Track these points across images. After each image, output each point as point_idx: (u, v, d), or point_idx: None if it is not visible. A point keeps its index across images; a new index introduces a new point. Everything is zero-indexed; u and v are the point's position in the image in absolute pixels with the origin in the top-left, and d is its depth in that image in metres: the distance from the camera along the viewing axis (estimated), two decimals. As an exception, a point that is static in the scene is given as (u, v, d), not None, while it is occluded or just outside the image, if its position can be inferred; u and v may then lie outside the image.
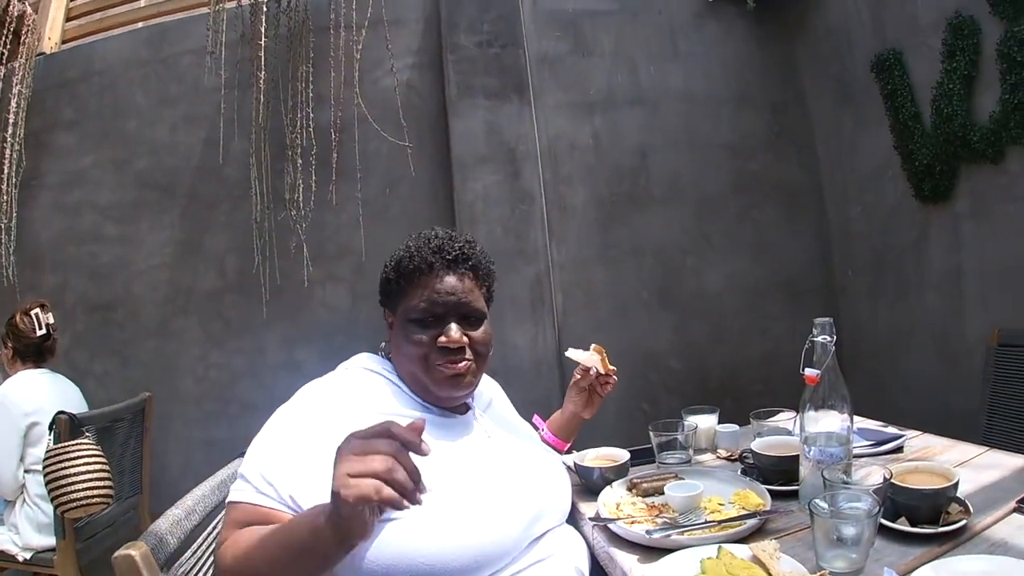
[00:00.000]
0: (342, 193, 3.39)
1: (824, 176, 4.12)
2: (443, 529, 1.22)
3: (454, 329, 1.42)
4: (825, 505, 1.24)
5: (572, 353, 1.86)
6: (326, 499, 1.03)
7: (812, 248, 4.06)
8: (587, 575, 1.45)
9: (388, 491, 0.95)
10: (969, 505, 1.40)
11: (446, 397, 1.45)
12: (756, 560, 1.26)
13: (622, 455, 1.81)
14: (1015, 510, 1.41)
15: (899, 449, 1.89)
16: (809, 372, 1.50)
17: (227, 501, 1.25)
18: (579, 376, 1.87)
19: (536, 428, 1.90)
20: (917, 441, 1.98)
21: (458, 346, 1.42)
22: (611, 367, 1.84)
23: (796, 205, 4.05)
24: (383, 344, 1.57)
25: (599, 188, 3.67)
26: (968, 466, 1.64)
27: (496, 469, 1.41)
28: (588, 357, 1.83)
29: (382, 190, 3.56)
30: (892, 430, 2.04)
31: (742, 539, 1.39)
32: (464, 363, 1.43)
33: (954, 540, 1.32)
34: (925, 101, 3.33)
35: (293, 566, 1.08)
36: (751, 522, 1.43)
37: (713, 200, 3.84)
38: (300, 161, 3.31)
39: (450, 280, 1.46)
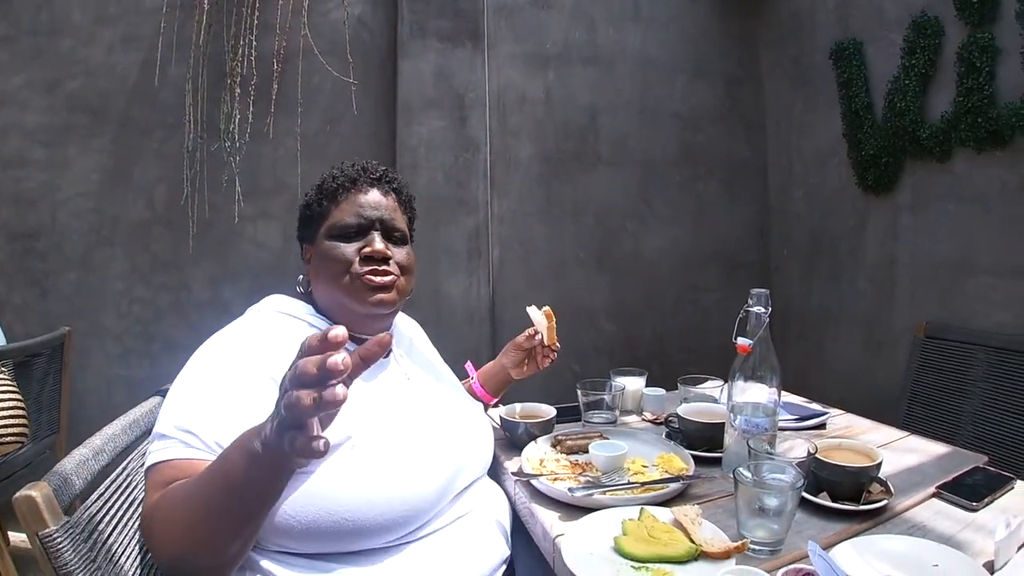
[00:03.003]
0: (280, 127, 3.24)
1: (770, 155, 4.15)
2: (365, 480, 1.17)
3: (378, 239, 1.38)
4: (749, 474, 1.24)
5: (532, 311, 1.80)
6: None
7: (751, 224, 4.10)
8: (508, 530, 1.43)
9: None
10: (890, 486, 1.42)
11: (367, 315, 1.38)
12: (677, 524, 1.26)
13: (548, 411, 1.80)
14: (935, 495, 1.44)
15: (822, 426, 1.93)
16: (741, 341, 1.50)
17: (146, 467, 1.15)
18: (526, 336, 1.81)
19: (467, 375, 1.88)
20: (840, 420, 2.03)
21: (383, 256, 1.36)
22: (557, 343, 1.80)
23: (740, 181, 4.07)
24: (300, 278, 1.49)
25: (546, 144, 3.61)
26: (889, 448, 1.67)
27: (417, 414, 1.37)
28: (539, 320, 1.78)
29: (322, 127, 3.42)
30: (816, 407, 2.08)
31: (664, 502, 1.39)
32: (390, 277, 1.37)
33: (874, 519, 1.35)
34: (879, 93, 3.37)
35: (232, 509, 1.00)
36: (674, 486, 1.43)
37: (659, 167, 3.82)
38: (239, 90, 3.14)
39: (375, 194, 1.43)
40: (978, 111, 2.86)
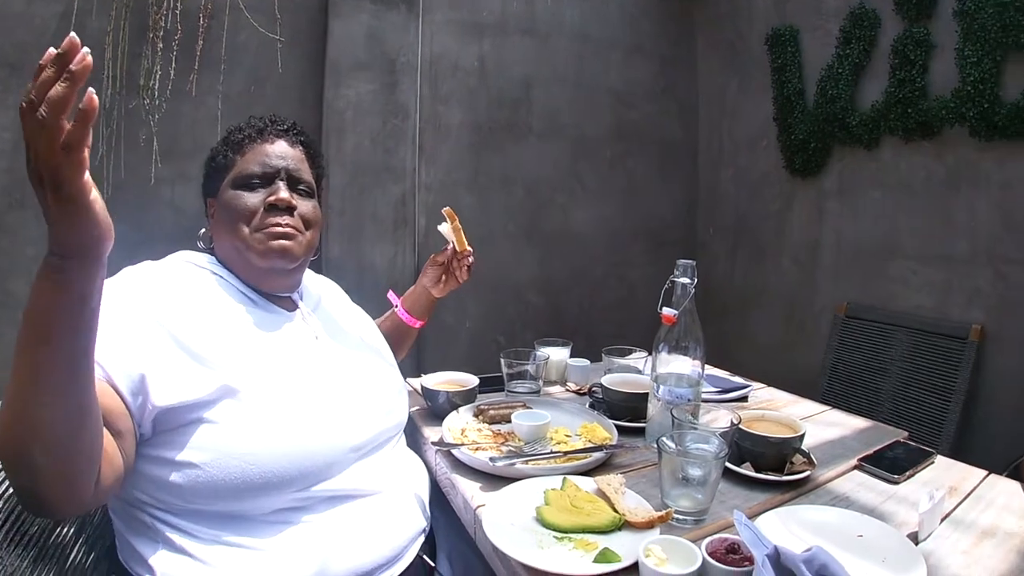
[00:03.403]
0: (202, 85, 3.07)
1: (702, 136, 4.21)
2: (268, 429, 1.11)
3: (283, 188, 1.30)
4: (672, 444, 1.21)
5: (444, 229, 1.75)
6: (158, 379, 1.04)
7: (679, 203, 4.14)
8: (427, 502, 1.38)
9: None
10: (813, 457, 1.43)
11: (268, 268, 1.30)
12: (601, 494, 1.23)
13: (471, 380, 1.75)
14: (856, 467, 1.46)
15: (744, 399, 1.94)
16: (667, 311, 1.47)
17: None
18: (441, 252, 1.78)
19: (392, 305, 1.83)
20: (762, 393, 2.05)
21: (287, 205, 1.29)
22: (468, 247, 1.75)
23: (670, 160, 4.10)
24: (202, 232, 1.40)
25: (477, 113, 3.54)
26: (811, 422, 1.68)
27: (321, 369, 1.30)
28: (448, 233, 1.73)
29: (247, 87, 3.26)
30: (739, 380, 2.08)
31: (587, 472, 1.36)
32: (292, 228, 1.30)
33: (797, 490, 1.35)
34: (812, 80, 3.45)
35: (41, 361, 0.84)
36: (597, 455, 1.40)
37: (590, 142, 3.81)
38: (161, 46, 2.95)
39: (282, 144, 1.35)
40: (908, 102, 2.95)
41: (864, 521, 1.17)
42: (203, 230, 1.40)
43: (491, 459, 1.32)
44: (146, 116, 2.98)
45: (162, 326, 1.10)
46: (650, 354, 1.90)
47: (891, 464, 1.45)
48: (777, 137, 3.64)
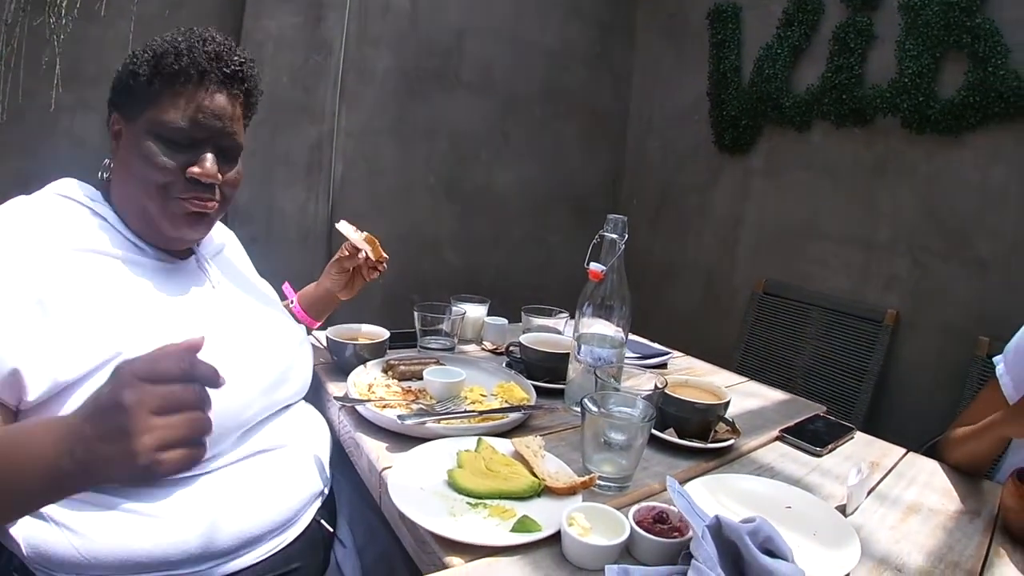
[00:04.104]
0: (114, 5, 2.77)
1: (633, 105, 4.16)
2: None
3: (210, 161, 1.10)
4: (595, 407, 1.12)
5: (344, 227, 1.59)
6: (33, 369, 0.90)
7: (605, 170, 4.08)
8: (326, 463, 1.26)
9: (202, 451, 0.75)
10: (737, 425, 1.38)
11: (176, 238, 1.14)
12: (518, 456, 1.13)
13: (380, 333, 1.62)
14: (778, 438, 1.45)
15: (663, 366, 1.89)
16: (595, 266, 1.39)
17: None
18: (345, 254, 1.59)
19: (284, 297, 1.64)
20: (681, 361, 2.01)
21: (210, 182, 1.11)
22: (384, 254, 1.61)
23: (599, 127, 4.03)
24: (106, 162, 1.18)
25: (405, 59, 3.35)
26: (731, 391, 1.62)
27: (219, 324, 1.15)
28: (360, 239, 1.57)
29: (161, 10, 2.97)
30: (658, 347, 2.03)
31: (503, 433, 1.26)
32: (212, 203, 1.13)
33: (721, 458, 1.32)
34: (749, 59, 3.43)
35: None
36: (514, 416, 1.30)
37: (520, 100, 3.70)
38: (72, -41, 2.67)
39: (220, 100, 1.11)
40: (844, 88, 2.97)
41: (793, 493, 1.14)
42: (107, 160, 1.18)
43: (399, 417, 1.20)
44: (50, 36, 2.67)
45: (32, 295, 0.93)
46: (572, 316, 1.83)
47: (813, 437, 1.44)
48: (709, 112, 3.63)
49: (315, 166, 3.11)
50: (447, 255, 3.54)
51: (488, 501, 1.01)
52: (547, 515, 0.97)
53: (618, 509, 0.96)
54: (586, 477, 1.04)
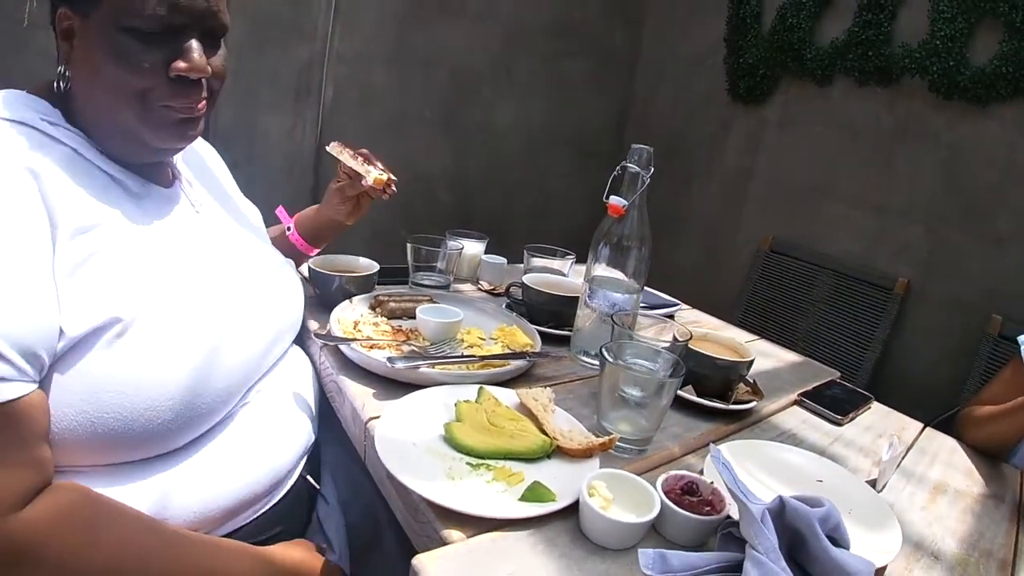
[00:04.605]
0: None
1: (644, 47, 3.94)
2: (162, 363, 0.81)
3: (196, 50, 0.87)
4: (612, 357, 0.97)
5: (334, 149, 1.37)
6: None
7: (611, 114, 3.89)
8: (314, 408, 1.11)
9: None
10: (759, 387, 1.27)
11: (164, 149, 0.94)
12: (525, 410, 0.98)
13: (369, 266, 1.45)
14: (796, 403, 1.35)
15: (671, 317, 1.73)
16: (615, 200, 1.23)
17: None
18: (344, 180, 1.39)
19: (282, 223, 1.48)
20: (688, 314, 1.89)
21: (200, 76, 0.88)
22: (392, 175, 1.38)
23: (608, 68, 3.82)
24: (61, 70, 0.92)
25: (408, -20, 3.13)
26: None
27: (213, 265, 0.98)
28: (359, 167, 1.35)
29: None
30: (666, 296, 1.89)
31: (503, 383, 1.11)
32: (202, 103, 0.92)
33: (740, 421, 1.20)
34: (771, 5, 3.22)
35: None
36: (518, 363, 1.15)
37: (528, 34, 3.46)
38: None
39: None
40: (871, 45, 2.80)
41: (824, 465, 1.03)
42: (61, 68, 0.92)
43: (389, 360, 1.04)
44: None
45: (41, 244, 0.76)
46: (577, 260, 1.68)
47: (832, 403, 1.35)
48: (724, 59, 3.43)
49: (304, 90, 2.91)
50: (440, 193, 3.36)
51: (491, 462, 0.87)
52: (560, 482, 0.83)
53: (639, 475, 0.83)
54: (605, 438, 0.90)
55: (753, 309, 3.10)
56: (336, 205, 1.41)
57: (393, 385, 1.05)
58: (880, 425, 1.32)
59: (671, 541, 0.79)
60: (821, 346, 2.82)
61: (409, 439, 0.89)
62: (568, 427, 0.95)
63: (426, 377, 1.05)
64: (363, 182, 1.34)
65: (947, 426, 1.42)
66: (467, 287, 1.73)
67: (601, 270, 1.25)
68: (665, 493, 0.80)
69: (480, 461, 0.86)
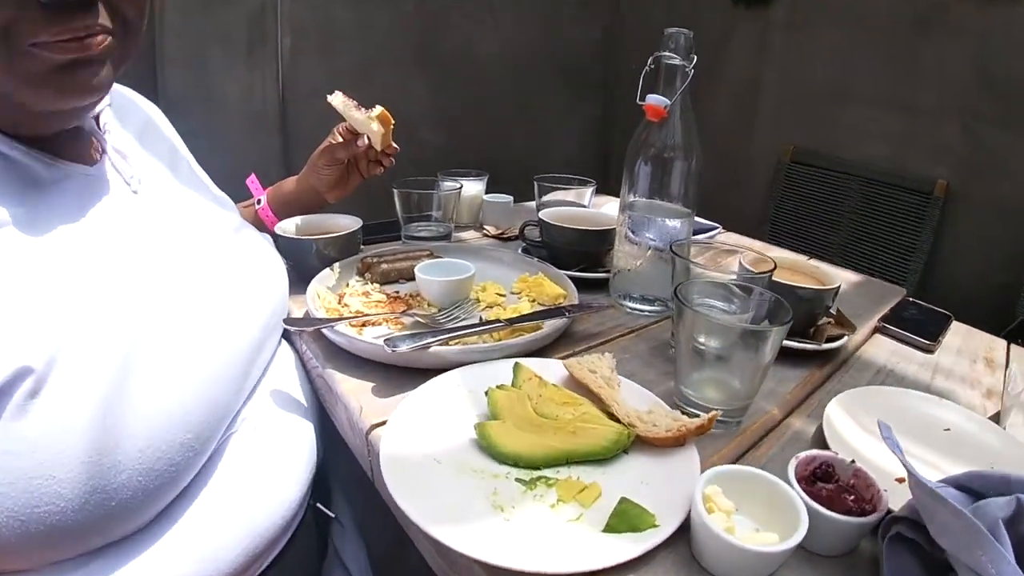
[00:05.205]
0: None
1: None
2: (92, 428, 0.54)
3: None
4: (688, 305, 0.72)
5: (337, 101, 1.13)
6: None
7: (599, 36, 3.59)
8: (312, 414, 0.84)
9: None
10: (847, 318, 1.04)
11: (58, 112, 0.64)
12: (579, 387, 0.73)
13: (349, 223, 1.16)
14: (876, 330, 1.14)
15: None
16: (654, 100, 0.96)
17: None
18: (339, 139, 1.16)
19: (252, 195, 1.21)
20: (725, 238, 1.65)
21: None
22: (393, 144, 1.20)
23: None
24: None
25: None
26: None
27: (167, 260, 0.71)
28: (363, 119, 1.13)
29: None
30: (702, 220, 1.66)
31: (537, 351, 0.86)
32: (99, 37, 0.60)
33: (832, 362, 0.98)
34: None
35: None
36: (556, 322, 0.89)
37: (500, -49, 3.14)
38: None
39: None
40: None
41: (944, 407, 0.83)
42: None
43: (387, 341, 0.77)
44: None
45: None
46: (597, 191, 1.43)
47: (916, 327, 1.14)
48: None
49: (257, 41, 2.59)
50: (423, 133, 3.05)
51: (550, 472, 0.62)
52: (654, 490, 0.59)
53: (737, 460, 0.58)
54: (704, 417, 0.64)
55: (780, 226, 2.84)
56: (321, 169, 1.18)
57: (398, 374, 0.79)
58: (969, 348, 1.12)
59: (809, 550, 0.56)
60: (859, 260, 2.57)
61: (430, 453, 0.63)
62: (645, 405, 0.69)
63: (440, 358, 0.79)
64: (359, 143, 1.14)
65: (1016, 338, 1.22)
66: (470, 235, 1.47)
67: (641, 193, 0.99)
68: (806, 491, 0.56)
69: (535, 473, 0.62)
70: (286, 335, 0.92)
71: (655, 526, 0.54)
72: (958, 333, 1.18)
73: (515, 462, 0.62)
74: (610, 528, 0.54)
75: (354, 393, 0.77)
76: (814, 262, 1.08)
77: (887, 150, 2.65)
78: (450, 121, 3.12)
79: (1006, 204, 2.36)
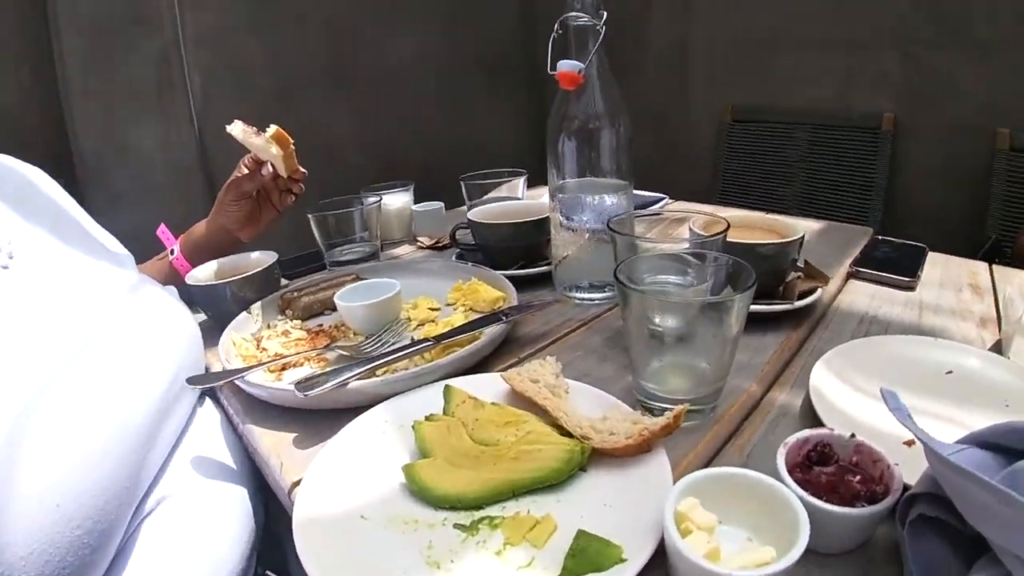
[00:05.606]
0: None
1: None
2: None
3: None
4: (633, 286, 0.62)
5: (236, 129, 1.05)
6: None
7: (514, 23, 3.52)
8: (249, 475, 0.74)
9: None
10: (817, 269, 0.96)
11: None
12: (522, 401, 0.62)
13: (263, 259, 1.05)
14: (851, 275, 1.09)
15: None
16: (565, 66, 0.87)
17: None
18: (244, 171, 1.07)
19: (164, 245, 1.11)
20: (674, 206, 1.58)
21: None
22: (301, 168, 1.11)
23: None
24: None
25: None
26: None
27: (49, 340, 0.61)
28: (262, 144, 1.04)
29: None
30: (646, 193, 1.60)
31: (476, 366, 0.76)
32: None
33: (806, 320, 0.90)
34: None
35: None
36: (493, 329, 0.79)
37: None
38: None
39: None
40: None
41: (940, 347, 0.76)
42: None
43: (298, 385, 0.67)
44: None
45: None
46: (536, 182, 1.35)
47: (893, 266, 1.09)
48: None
49: (166, 86, 2.46)
50: (351, 156, 2.94)
51: (492, 510, 0.52)
52: (618, 514, 0.49)
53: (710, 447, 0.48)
54: (668, 416, 0.54)
55: (731, 188, 2.76)
56: (228, 206, 1.08)
57: (322, 419, 0.69)
58: (951, 277, 1.07)
59: (814, 551, 0.46)
60: (818, 208, 2.51)
61: (354, 509, 0.53)
62: (600, 411, 0.59)
63: (362, 395, 0.68)
64: (263, 172, 1.05)
65: (991, 258, 1.20)
66: (404, 249, 1.37)
67: (571, 171, 0.90)
68: (800, 482, 0.47)
69: (477, 515, 0.52)
70: (211, 393, 0.83)
71: (622, 560, 0.44)
72: (936, 264, 1.13)
73: (452, 504, 0.52)
74: (567, 572, 0.44)
75: (274, 448, 0.67)
76: (772, 216, 1.00)
77: (829, 92, 2.59)
78: (378, 137, 3.02)
79: (956, 125, 2.31)
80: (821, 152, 2.54)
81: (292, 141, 1.06)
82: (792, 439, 0.51)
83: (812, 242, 1.25)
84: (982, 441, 0.43)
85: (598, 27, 0.88)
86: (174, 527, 0.61)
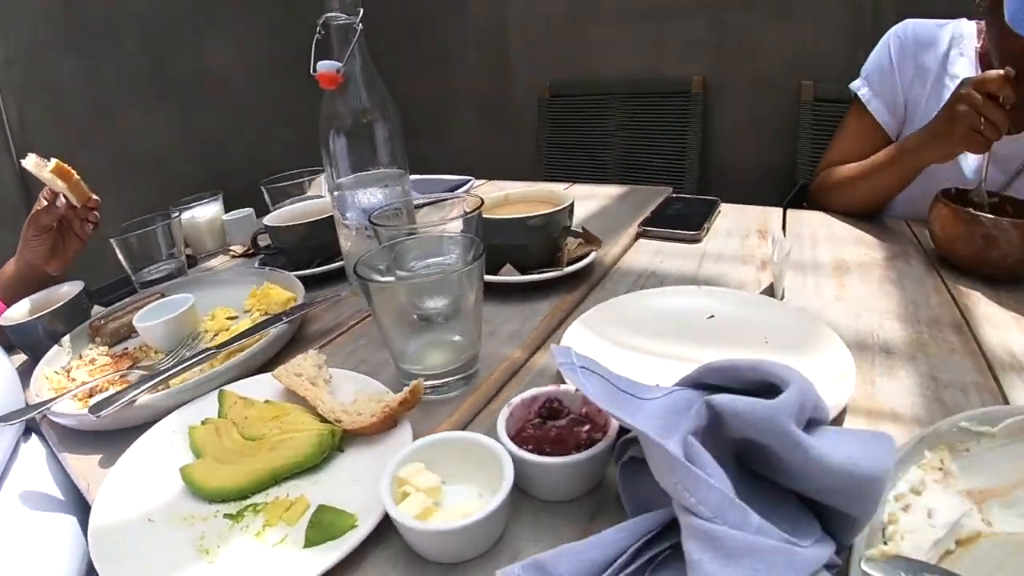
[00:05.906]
0: None
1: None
2: None
3: None
4: (381, 273, 0.70)
5: (30, 163, 1.04)
6: None
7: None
8: (65, 499, 0.77)
9: None
10: (592, 234, 1.04)
11: None
12: (290, 395, 0.69)
13: (70, 289, 1.06)
14: (639, 235, 1.17)
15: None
16: (323, 67, 0.91)
17: None
18: (43, 204, 1.08)
19: None
20: (485, 188, 1.66)
21: None
22: (90, 194, 1.09)
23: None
24: None
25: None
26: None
27: None
28: (50, 177, 1.04)
29: None
30: (453, 177, 1.68)
31: (264, 366, 0.81)
32: None
33: (587, 282, 0.98)
34: None
35: None
36: (275, 330, 0.84)
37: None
38: None
39: None
40: None
41: (705, 294, 0.84)
42: None
43: (91, 408, 0.70)
44: None
45: None
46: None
47: (680, 221, 1.18)
48: None
49: (-24, 117, 2.35)
50: (180, 167, 2.86)
51: (259, 498, 0.58)
52: (365, 486, 0.56)
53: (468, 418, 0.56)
54: (405, 390, 0.61)
55: (555, 162, 2.85)
56: (30, 241, 1.08)
57: (125, 438, 0.71)
58: (740, 226, 1.17)
59: (547, 500, 0.54)
60: (636, 173, 2.65)
61: (144, 513, 0.58)
62: (352, 395, 0.66)
63: (152, 409, 0.72)
64: (58, 203, 1.06)
65: (799, 203, 1.31)
66: (219, 260, 1.38)
67: (346, 168, 0.94)
68: (520, 439, 0.54)
69: (243, 504, 0.57)
70: (36, 429, 0.85)
71: (355, 526, 0.51)
72: (728, 215, 1.23)
73: (223, 498, 0.58)
74: (309, 542, 0.50)
75: (83, 472, 0.70)
76: (550, 186, 1.07)
77: (639, 61, 2.71)
78: (207, 147, 2.95)
79: (760, 82, 2.48)
80: (636, 120, 2.67)
81: (75, 172, 1.06)
82: (516, 399, 0.58)
83: (611, 207, 1.35)
84: (691, 381, 0.50)
85: (355, 24, 0.91)
86: (2, 564, 0.64)
